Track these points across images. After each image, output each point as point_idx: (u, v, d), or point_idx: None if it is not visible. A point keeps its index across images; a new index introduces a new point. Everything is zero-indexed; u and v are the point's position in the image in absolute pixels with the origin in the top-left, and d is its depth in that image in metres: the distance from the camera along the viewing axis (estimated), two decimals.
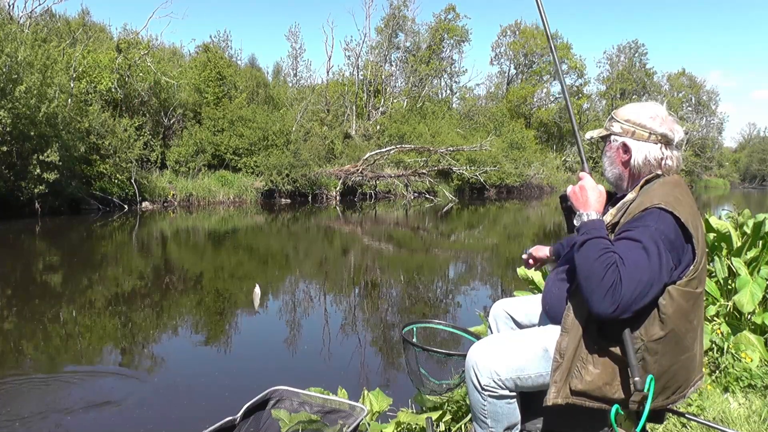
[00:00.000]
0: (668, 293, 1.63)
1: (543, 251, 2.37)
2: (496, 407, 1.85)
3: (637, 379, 1.60)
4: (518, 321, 2.20)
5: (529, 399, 1.91)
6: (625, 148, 1.83)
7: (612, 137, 1.87)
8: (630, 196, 1.79)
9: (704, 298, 3.69)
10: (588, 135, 1.96)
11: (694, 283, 1.67)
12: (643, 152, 1.79)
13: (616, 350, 1.68)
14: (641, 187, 1.78)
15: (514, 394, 1.85)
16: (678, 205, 1.66)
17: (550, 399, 1.71)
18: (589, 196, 1.77)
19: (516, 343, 1.89)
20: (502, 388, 1.82)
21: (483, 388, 1.83)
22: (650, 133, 1.78)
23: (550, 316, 1.95)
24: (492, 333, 2.24)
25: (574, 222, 1.77)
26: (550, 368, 1.79)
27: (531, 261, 2.40)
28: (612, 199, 1.94)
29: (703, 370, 3.13)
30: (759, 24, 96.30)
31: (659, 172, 1.79)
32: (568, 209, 1.87)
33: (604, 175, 1.97)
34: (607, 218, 1.78)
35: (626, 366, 1.66)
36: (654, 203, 1.65)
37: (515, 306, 2.23)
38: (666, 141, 1.79)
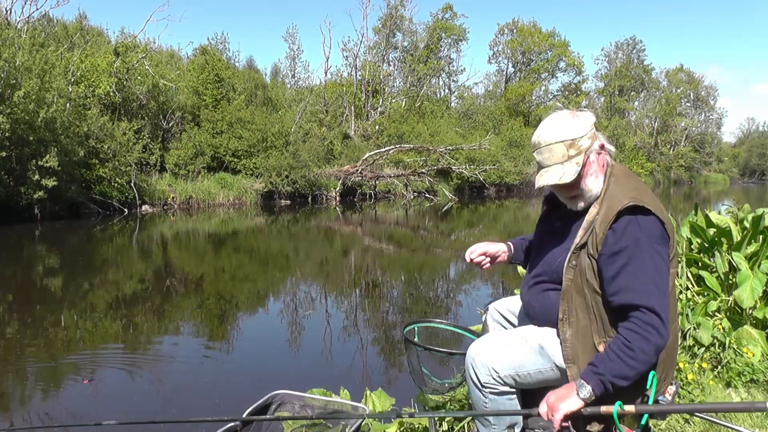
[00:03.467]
0: None
1: (498, 248, 2.17)
2: (498, 404, 1.85)
3: None
4: (511, 322, 2.19)
5: (532, 397, 1.91)
6: (601, 150, 1.80)
7: (587, 153, 1.76)
8: (593, 210, 1.74)
9: (706, 294, 3.69)
10: (564, 178, 1.72)
11: (674, 261, 1.76)
12: (610, 145, 1.84)
13: None
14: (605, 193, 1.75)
15: (514, 390, 1.85)
16: (643, 196, 1.68)
17: None
18: (564, 396, 1.64)
19: (513, 341, 1.89)
20: (502, 385, 1.83)
21: (483, 386, 1.84)
22: (595, 130, 1.81)
23: (540, 325, 1.93)
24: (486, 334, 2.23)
25: (580, 397, 1.62)
26: (548, 364, 1.79)
27: (484, 261, 2.16)
28: (552, 204, 1.97)
29: (705, 365, 3.14)
30: (757, 19, 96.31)
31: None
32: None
33: (583, 197, 1.79)
34: (576, 240, 1.74)
35: None
36: (624, 204, 1.66)
37: (508, 307, 2.22)
38: None
